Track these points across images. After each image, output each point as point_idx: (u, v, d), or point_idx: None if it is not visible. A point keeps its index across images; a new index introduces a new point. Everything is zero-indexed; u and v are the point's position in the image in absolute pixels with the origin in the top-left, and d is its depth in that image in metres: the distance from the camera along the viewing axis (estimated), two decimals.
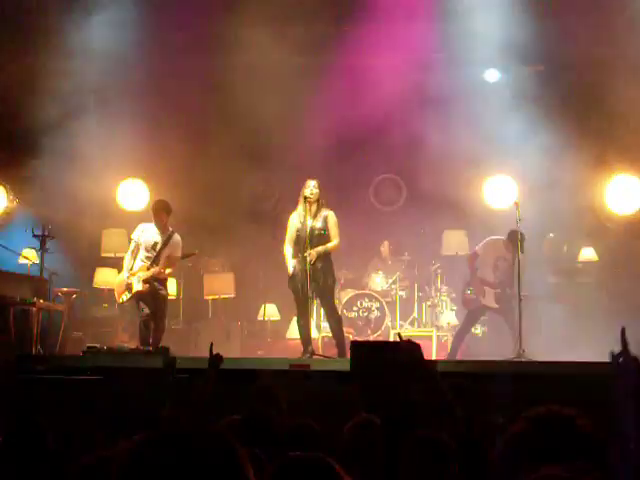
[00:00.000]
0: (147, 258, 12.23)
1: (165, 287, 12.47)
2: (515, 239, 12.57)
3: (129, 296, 12.23)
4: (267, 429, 4.79)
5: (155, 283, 12.19)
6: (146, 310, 12.13)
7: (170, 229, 12.38)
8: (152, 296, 12.19)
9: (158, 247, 12.24)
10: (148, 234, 12.30)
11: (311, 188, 11.53)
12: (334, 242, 11.56)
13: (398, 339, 4.69)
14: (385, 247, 16.02)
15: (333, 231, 11.56)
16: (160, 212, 12.32)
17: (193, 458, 1.99)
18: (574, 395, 7.61)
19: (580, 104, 15.33)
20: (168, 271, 12.31)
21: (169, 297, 13.22)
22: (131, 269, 12.31)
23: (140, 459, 2.02)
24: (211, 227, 14.78)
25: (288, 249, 11.72)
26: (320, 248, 11.41)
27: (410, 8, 14.50)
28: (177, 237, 12.37)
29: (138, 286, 12.12)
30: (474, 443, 4.39)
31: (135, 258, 12.32)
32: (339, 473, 2.79)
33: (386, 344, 11.30)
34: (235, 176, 15.96)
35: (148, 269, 12.14)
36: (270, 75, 15.74)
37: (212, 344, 6.31)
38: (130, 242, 12.56)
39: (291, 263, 11.62)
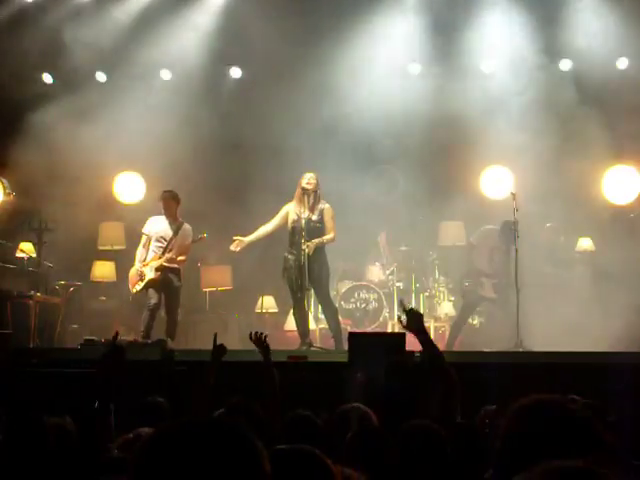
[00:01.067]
0: (158, 248, 12.36)
1: (179, 278, 12.53)
2: (509, 229, 12.61)
3: (142, 285, 12.31)
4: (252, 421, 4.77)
5: (170, 274, 12.32)
6: (153, 300, 12.22)
7: (180, 219, 12.55)
8: (165, 286, 12.31)
9: (169, 237, 12.38)
10: (158, 226, 12.48)
11: (308, 179, 11.59)
12: (330, 235, 11.61)
13: (401, 306, 4.69)
14: (382, 238, 16.02)
15: (329, 224, 11.60)
16: (169, 201, 12.50)
17: (213, 450, 1.98)
18: (573, 384, 7.63)
19: (578, 94, 15.35)
20: (180, 258, 12.41)
21: None
22: (144, 260, 12.40)
23: (161, 451, 2.00)
24: (208, 219, 14.76)
25: (265, 227, 12.07)
26: (317, 240, 11.44)
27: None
28: (187, 226, 12.57)
29: (150, 274, 12.25)
30: (468, 430, 4.40)
31: (147, 250, 12.44)
32: (327, 465, 2.79)
33: (384, 335, 11.34)
34: (233, 169, 15.97)
35: (160, 258, 12.26)
36: (265, 64, 15.86)
37: (215, 335, 6.34)
38: (141, 236, 12.64)
39: (254, 235, 12.10)
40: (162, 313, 12.63)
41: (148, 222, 12.62)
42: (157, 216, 12.60)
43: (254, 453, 2.02)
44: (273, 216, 12.08)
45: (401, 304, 4.69)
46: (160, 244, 12.37)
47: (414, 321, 4.71)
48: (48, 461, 4.17)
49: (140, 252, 12.52)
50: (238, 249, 12.08)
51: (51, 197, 14.71)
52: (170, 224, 12.46)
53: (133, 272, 12.53)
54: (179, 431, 2.03)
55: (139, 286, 12.35)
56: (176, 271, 12.45)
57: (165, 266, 12.27)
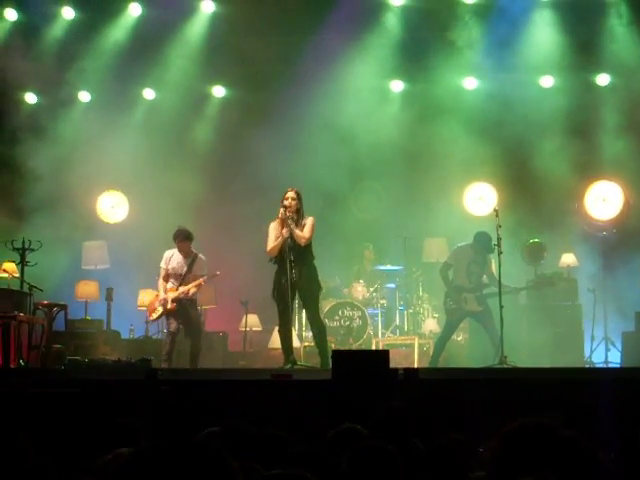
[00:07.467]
0: (175, 282, 12.99)
1: (195, 307, 13.31)
2: (482, 240, 12.71)
3: (160, 313, 13.04)
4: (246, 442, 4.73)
5: (186, 304, 13.00)
6: (173, 326, 12.93)
7: (193, 252, 13.13)
8: (183, 315, 12.98)
9: (184, 271, 13.01)
10: (174, 261, 13.10)
11: (290, 199, 11.40)
12: (305, 234, 11.34)
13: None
14: (370, 251, 16.03)
15: (307, 228, 11.38)
16: (184, 242, 13.04)
17: (187, 471, 1.97)
18: (558, 400, 7.63)
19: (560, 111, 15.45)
20: (193, 291, 13.04)
21: None
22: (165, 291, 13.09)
23: (140, 472, 1.99)
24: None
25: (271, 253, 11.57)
26: (293, 227, 11.25)
27: None
28: (202, 257, 13.21)
29: (167, 305, 12.90)
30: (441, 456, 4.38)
31: (167, 281, 13.09)
32: None
33: (368, 353, 11.32)
34: (215, 185, 15.97)
35: (177, 289, 12.92)
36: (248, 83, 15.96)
37: None
38: (160, 270, 13.20)
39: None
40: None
41: (165, 257, 13.16)
42: (172, 250, 13.16)
43: (230, 474, 2.01)
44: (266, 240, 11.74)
45: None
46: (175, 278, 13.03)
47: None
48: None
49: (161, 284, 13.13)
50: None
51: (34, 217, 14.72)
52: (184, 258, 13.07)
53: (151, 301, 13.37)
54: (157, 452, 2.01)
55: (156, 314, 13.13)
56: (192, 300, 13.17)
57: (181, 297, 12.93)
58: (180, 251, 13.08)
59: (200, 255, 13.16)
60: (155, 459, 2.01)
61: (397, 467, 3.97)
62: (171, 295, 12.90)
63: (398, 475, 3.94)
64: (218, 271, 13.39)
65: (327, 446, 4.59)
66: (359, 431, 4.74)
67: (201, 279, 13.06)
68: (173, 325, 12.93)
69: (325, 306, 14.96)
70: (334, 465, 4.06)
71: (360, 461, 3.98)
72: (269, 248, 11.48)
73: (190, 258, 13.08)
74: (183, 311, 12.98)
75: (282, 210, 11.37)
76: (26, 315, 12.80)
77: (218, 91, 17.02)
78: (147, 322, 15.15)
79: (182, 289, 12.90)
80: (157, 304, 13.05)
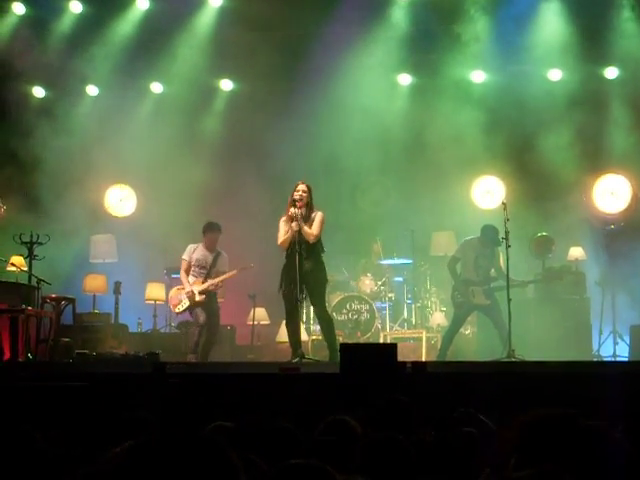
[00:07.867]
0: (200, 274, 13.19)
1: (216, 300, 13.54)
2: (489, 233, 12.71)
3: (186, 306, 13.14)
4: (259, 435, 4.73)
5: (212, 297, 13.27)
6: (202, 318, 13.04)
7: (217, 248, 13.32)
8: (209, 307, 13.15)
9: (209, 265, 13.19)
10: (198, 254, 13.26)
11: (300, 192, 11.34)
12: (313, 231, 11.27)
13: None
14: (378, 245, 16.01)
15: (315, 225, 11.31)
16: (216, 234, 13.27)
17: (187, 464, 1.97)
18: (565, 394, 7.62)
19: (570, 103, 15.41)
20: (220, 285, 13.39)
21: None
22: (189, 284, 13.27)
23: (134, 466, 1.99)
24: (199, 231, 14.76)
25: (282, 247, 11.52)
26: (302, 224, 11.16)
27: None
28: (224, 254, 13.39)
29: (196, 297, 13.04)
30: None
31: (188, 274, 13.22)
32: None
33: (376, 346, 11.30)
34: (223, 178, 15.97)
35: (203, 282, 13.10)
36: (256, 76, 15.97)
37: None
38: (182, 262, 13.33)
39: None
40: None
41: (188, 250, 13.30)
42: (195, 245, 13.30)
43: (230, 466, 2.01)
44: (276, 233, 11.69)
45: None
46: (201, 270, 13.19)
47: None
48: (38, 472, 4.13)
49: (183, 277, 13.28)
50: None
51: (42, 210, 14.74)
52: (209, 252, 13.26)
53: (174, 293, 13.45)
54: (157, 445, 2.01)
55: (182, 307, 13.20)
56: (216, 294, 13.47)
57: (208, 290, 13.11)
58: (206, 245, 13.22)
59: (223, 252, 13.33)
60: (154, 452, 2.01)
61: (410, 459, 3.98)
62: (197, 288, 13.03)
63: (410, 468, 3.94)
64: (252, 263, 13.59)
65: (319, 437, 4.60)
66: (348, 422, 4.73)
67: (234, 271, 13.27)
68: (202, 317, 13.01)
69: (333, 299, 14.95)
70: (346, 457, 4.06)
71: (373, 453, 3.99)
72: (279, 242, 11.47)
73: (214, 253, 13.24)
74: (209, 303, 13.14)
75: (293, 210, 11.29)
76: (34, 309, 12.81)
77: (226, 84, 17.03)
78: (154, 316, 15.30)
79: (211, 281, 13.07)
80: (182, 297, 13.15)
